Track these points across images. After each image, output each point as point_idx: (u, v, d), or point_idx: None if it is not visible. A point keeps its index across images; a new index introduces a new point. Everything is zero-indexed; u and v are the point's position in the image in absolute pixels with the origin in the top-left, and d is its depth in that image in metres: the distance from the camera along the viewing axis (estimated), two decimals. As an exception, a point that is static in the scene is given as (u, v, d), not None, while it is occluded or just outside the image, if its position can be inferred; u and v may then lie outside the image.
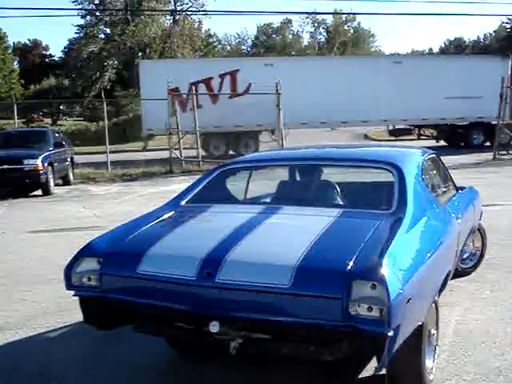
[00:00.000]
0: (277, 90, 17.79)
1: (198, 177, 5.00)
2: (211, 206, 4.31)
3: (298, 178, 5.08)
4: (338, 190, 4.42)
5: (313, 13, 57.60)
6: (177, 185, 15.55)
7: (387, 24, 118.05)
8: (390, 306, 2.78)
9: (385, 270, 2.89)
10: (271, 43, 68.95)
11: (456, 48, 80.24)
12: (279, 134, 18.28)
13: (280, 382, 3.95)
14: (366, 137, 33.17)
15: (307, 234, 3.41)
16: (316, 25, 69.12)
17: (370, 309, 2.85)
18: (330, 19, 68.69)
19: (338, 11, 57.73)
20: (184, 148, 19.57)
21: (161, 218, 4.11)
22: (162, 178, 17.08)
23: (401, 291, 2.86)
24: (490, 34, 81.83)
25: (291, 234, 3.61)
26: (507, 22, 72.82)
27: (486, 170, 15.99)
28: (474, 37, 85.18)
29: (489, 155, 19.36)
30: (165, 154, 19.43)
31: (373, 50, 72.27)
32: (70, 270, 3.59)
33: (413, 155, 4.63)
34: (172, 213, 4.24)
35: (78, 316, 5.24)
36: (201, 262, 3.20)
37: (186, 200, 4.45)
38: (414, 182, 4.01)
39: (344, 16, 64.77)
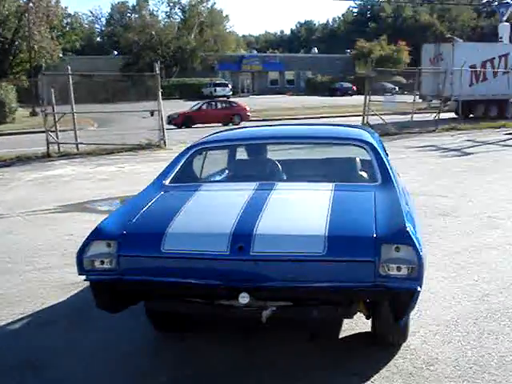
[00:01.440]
0: None
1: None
2: (202, 184, 4.38)
3: (273, 155, 5.19)
4: (320, 165, 4.69)
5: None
6: (62, 169, 14.91)
7: (240, 6, 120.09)
8: (420, 264, 3.16)
9: (411, 234, 3.25)
10: (128, 22, 66.86)
11: (306, 31, 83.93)
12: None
13: (267, 352, 4.10)
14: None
15: (318, 206, 3.67)
16: (171, 4, 68.31)
17: (398, 268, 3.18)
18: (185, -1, 68.25)
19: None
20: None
21: (155, 199, 4.11)
22: (40, 163, 16.22)
23: (422, 252, 3.23)
24: (339, 18, 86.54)
25: (303, 207, 3.82)
26: (354, 7, 77.59)
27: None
28: (323, 20, 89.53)
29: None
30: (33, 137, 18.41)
31: (227, 31, 72.82)
32: (81, 254, 3.51)
33: (371, 133, 5.02)
34: (163, 192, 4.26)
35: (31, 306, 5.12)
36: (230, 237, 3.31)
37: (169, 180, 4.47)
38: (385, 157, 4.43)
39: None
